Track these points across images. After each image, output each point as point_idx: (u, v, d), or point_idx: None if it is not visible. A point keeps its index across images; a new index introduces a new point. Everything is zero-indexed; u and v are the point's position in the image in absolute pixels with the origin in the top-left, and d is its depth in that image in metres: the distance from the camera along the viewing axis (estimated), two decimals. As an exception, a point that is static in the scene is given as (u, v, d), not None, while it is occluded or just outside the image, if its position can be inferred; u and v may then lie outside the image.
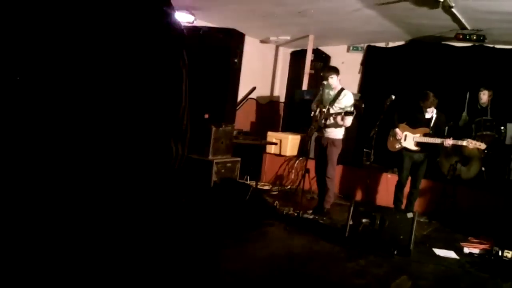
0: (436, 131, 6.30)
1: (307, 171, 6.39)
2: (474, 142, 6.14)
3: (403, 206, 6.46)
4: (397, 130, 6.48)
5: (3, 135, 1.19)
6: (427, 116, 6.41)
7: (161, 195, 1.72)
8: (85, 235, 1.39)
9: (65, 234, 1.34)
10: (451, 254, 5.30)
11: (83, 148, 1.33)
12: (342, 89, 6.47)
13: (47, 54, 1.25)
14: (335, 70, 6.52)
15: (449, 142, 6.17)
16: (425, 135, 6.33)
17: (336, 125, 6.34)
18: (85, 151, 1.34)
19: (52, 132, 1.27)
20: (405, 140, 6.43)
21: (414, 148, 6.38)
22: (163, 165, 1.64)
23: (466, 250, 5.47)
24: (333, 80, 6.41)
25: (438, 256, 5.24)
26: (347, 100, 6.36)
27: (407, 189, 6.57)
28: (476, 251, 5.44)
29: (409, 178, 6.60)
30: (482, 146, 6.15)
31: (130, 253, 1.63)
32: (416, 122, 6.43)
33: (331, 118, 6.30)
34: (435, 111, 6.41)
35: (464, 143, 6.18)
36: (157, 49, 1.60)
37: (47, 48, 1.24)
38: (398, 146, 6.49)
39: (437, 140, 6.22)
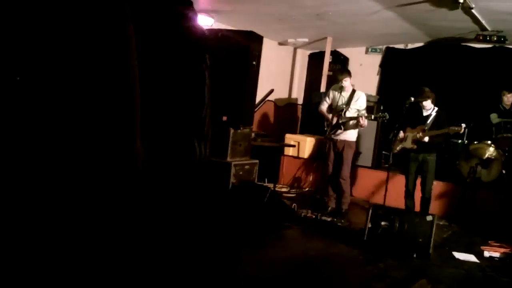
0: (437, 128, 6.17)
1: (324, 173, 6.38)
2: (453, 127, 5.98)
3: None
4: (401, 131, 6.40)
5: (3, 135, 1.21)
6: (425, 113, 6.33)
7: (187, 195, 1.74)
8: (108, 235, 1.41)
9: (88, 235, 1.36)
10: (471, 258, 5.24)
11: (100, 149, 1.35)
12: (354, 91, 6.53)
13: (61, 54, 1.26)
14: (348, 73, 6.61)
15: (426, 138, 6.09)
16: (419, 133, 6.23)
17: (353, 127, 6.37)
18: (103, 151, 1.36)
19: (74, 132, 1.29)
20: (405, 140, 6.36)
21: (411, 146, 6.28)
22: (188, 165, 1.66)
23: (487, 253, 5.41)
24: (347, 83, 6.49)
25: (458, 259, 5.19)
26: (362, 101, 6.48)
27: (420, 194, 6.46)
28: (496, 254, 5.37)
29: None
30: (460, 129, 5.98)
31: (150, 253, 1.66)
32: (415, 121, 6.35)
33: (348, 120, 6.34)
34: (435, 109, 6.33)
35: (446, 130, 6.05)
36: (181, 52, 1.62)
37: (63, 48, 1.26)
38: (399, 147, 6.42)
39: (422, 137, 6.12)
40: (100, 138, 1.34)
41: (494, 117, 7.45)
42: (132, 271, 1.53)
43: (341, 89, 6.55)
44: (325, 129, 6.67)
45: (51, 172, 1.24)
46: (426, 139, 6.09)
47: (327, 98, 6.80)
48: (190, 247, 1.80)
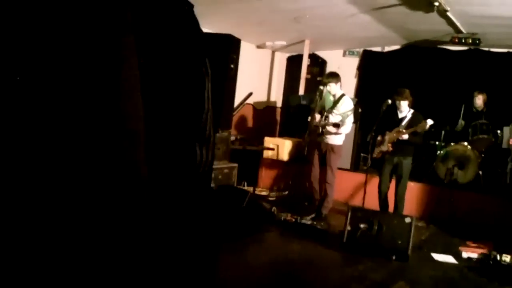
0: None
1: (304, 176, 6.38)
2: (420, 125, 6.02)
3: None
4: (379, 136, 6.42)
5: (3, 135, 1.18)
6: (400, 116, 6.36)
7: (190, 199, 1.72)
8: (105, 238, 1.38)
9: (87, 237, 1.33)
10: (450, 259, 5.29)
11: (102, 151, 1.32)
12: (342, 95, 6.50)
13: (62, 54, 1.24)
14: (334, 77, 6.52)
15: (403, 136, 6.13)
16: (395, 134, 6.26)
17: (330, 132, 6.36)
18: (106, 154, 1.33)
19: (74, 135, 1.26)
20: (383, 144, 6.39)
21: (386, 148, 6.30)
22: (189, 168, 1.64)
23: (465, 254, 5.46)
24: (331, 88, 6.43)
25: (436, 261, 5.23)
26: (345, 106, 6.39)
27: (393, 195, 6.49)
28: (474, 255, 5.43)
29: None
30: (426, 125, 6.00)
31: (142, 256, 1.63)
32: (391, 124, 6.37)
33: (328, 126, 6.33)
34: (410, 111, 6.36)
35: (414, 129, 6.06)
36: (181, 56, 1.60)
37: (63, 49, 1.23)
38: (378, 151, 6.42)
39: (397, 136, 6.16)
40: (100, 140, 1.31)
41: (459, 122, 7.59)
42: (130, 271, 1.50)
43: (327, 93, 6.54)
44: (308, 132, 6.65)
45: (50, 172, 1.21)
46: (406, 136, 6.10)
47: (317, 101, 6.73)
48: (168, 251, 1.78)
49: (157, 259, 1.69)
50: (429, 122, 5.96)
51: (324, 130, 6.39)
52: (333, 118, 6.38)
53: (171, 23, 1.57)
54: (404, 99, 6.25)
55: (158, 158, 1.49)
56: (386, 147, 6.30)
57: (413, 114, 6.31)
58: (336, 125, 6.26)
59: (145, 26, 1.44)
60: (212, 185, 6.44)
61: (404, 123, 6.27)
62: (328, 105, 6.53)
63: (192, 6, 1.67)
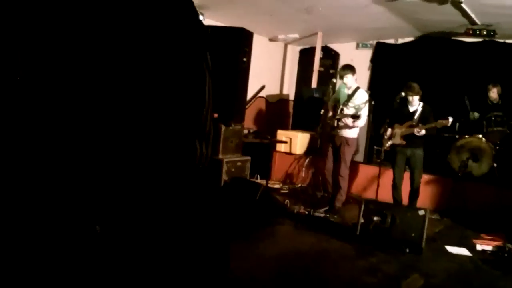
0: (423, 123, 6.21)
1: (317, 169, 6.37)
2: (440, 121, 6.03)
3: None
4: (388, 129, 6.42)
5: (3, 135, 1.19)
6: (411, 109, 6.38)
7: (189, 194, 1.73)
8: (103, 236, 1.39)
9: (87, 236, 1.35)
10: (464, 251, 5.26)
11: (102, 148, 1.33)
12: (357, 88, 6.46)
13: (58, 53, 1.25)
14: (351, 69, 6.48)
15: (417, 130, 6.11)
16: (408, 127, 6.28)
17: (348, 125, 6.33)
18: (104, 150, 1.34)
19: (71, 132, 1.27)
20: (394, 137, 6.40)
21: (400, 142, 6.33)
22: (188, 164, 1.64)
23: (479, 247, 5.44)
24: (348, 80, 6.40)
25: (450, 253, 5.21)
26: (360, 99, 6.36)
27: (408, 188, 6.50)
28: (488, 248, 5.40)
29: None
30: (447, 123, 6.03)
31: (149, 251, 1.64)
32: (403, 117, 6.39)
33: (345, 118, 6.30)
34: (420, 104, 6.37)
35: (433, 125, 6.09)
36: (181, 51, 1.60)
37: (59, 48, 1.24)
38: (388, 144, 6.45)
39: (411, 130, 6.17)
40: (97, 138, 1.32)
41: (471, 114, 7.54)
42: (132, 268, 1.51)
43: (344, 85, 6.50)
44: (321, 124, 6.64)
45: (47, 170, 1.22)
46: (423, 132, 6.11)
47: (332, 93, 6.72)
48: (181, 243, 1.79)
49: (161, 255, 1.70)
50: (450, 119, 5.98)
51: (339, 123, 6.37)
52: (348, 111, 6.35)
53: (170, 17, 1.57)
54: (416, 94, 6.28)
55: (157, 153, 1.49)
56: (399, 140, 6.30)
57: (423, 107, 6.33)
58: (355, 117, 6.22)
59: (142, 19, 1.44)
60: (225, 178, 6.46)
61: (416, 116, 6.27)
62: (342, 98, 6.49)
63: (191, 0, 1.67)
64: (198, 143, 1.64)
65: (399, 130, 6.34)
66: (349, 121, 6.29)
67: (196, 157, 1.65)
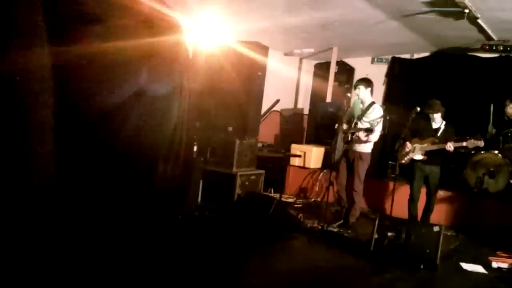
0: (445, 142, 6.19)
1: (331, 183, 6.35)
2: (473, 141, 6.00)
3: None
4: (407, 143, 6.42)
5: (3, 135, 1.22)
6: (435, 126, 6.40)
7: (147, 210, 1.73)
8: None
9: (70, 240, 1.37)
10: (479, 269, 5.19)
11: (82, 150, 1.36)
12: (372, 103, 6.41)
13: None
14: (364, 81, 6.47)
15: (450, 145, 6.07)
16: (433, 143, 6.27)
17: (361, 140, 6.29)
18: (84, 153, 1.37)
19: (56, 134, 1.30)
20: (413, 151, 6.38)
21: (421, 158, 6.32)
22: (147, 182, 1.65)
23: (495, 264, 5.36)
24: (361, 91, 6.36)
25: (466, 270, 5.14)
26: (375, 114, 6.31)
27: (423, 203, 6.49)
28: (505, 265, 5.32)
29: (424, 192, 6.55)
30: (481, 143, 5.99)
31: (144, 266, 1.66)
32: (424, 133, 6.40)
33: (358, 132, 6.27)
34: (443, 122, 6.38)
35: (464, 143, 6.05)
36: (161, 73, 1.63)
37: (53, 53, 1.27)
38: (407, 158, 6.44)
39: (442, 146, 6.14)
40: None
41: (489, 129, 7.48)
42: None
43: (357, 99, 6.50)
44: (336, 139, 6.64)
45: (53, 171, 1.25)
46: (452, 149, 6.08)
47: (347, 108, 6.72)
48: (194, 258, 1.80)
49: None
50: (482, 141, 5.97)
51: (352, 137, 6.33)
52: (362, 126, 6.31)
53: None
54: (436, 112, 6.29)
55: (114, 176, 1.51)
56: (421, 156, 6.30)
57: (445, 125, 6.40)
58: (369, 130, 6.19)
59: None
60: (239, 191, 6.47)
61: (439, 134, 6.30)
62: (357, 113, 6.46)
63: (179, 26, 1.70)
64: (161, 163, 1.65)
65: (419, 145, 6.35)
66: (362, 135, 6.26)
67: (155, 174, 1.65)
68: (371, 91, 6.47)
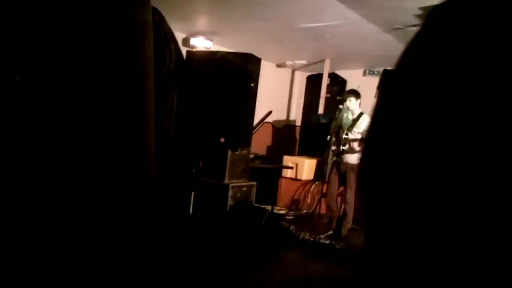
0: None
1: (323, 195, 6.35)
2: None
3: None
4: None
5: (3, 135, 1.19)
6: None
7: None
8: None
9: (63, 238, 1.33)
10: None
11: (80, 150, 1.33)
12: (361, 114, 6.47)
13: (47, 54, 1.25)
14: (354, 93, 6.55)
15: None
16: None
17: (354, 150, 6.32)
18: (82, 152, 1.34)
19: (51, 132, 1.27)
20: None
21: None
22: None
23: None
24: (351, 103, 6.43)
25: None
26: (365, 124, 6.35)
27: None
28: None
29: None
30: None
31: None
32: None
33: (349, 143, 6.29)
34: None
35: None
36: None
37: (47, 48, 1.25)
38: None
39: None
40: (99, 138, 1.32)
41: None
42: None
43: (348, 111, 6.53)
44: (328, 150, 6.64)
45: (49, 171, 1.22)
46: None
47: (336, 119, 6.74)
48: (185, 269, 1.76)
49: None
50: None
51: (343, 149, 6.36)
52: (353, 136, 6.36)
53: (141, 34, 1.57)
54: None
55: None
56: None
57: None
58: (363, 140, 6.21)
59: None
60: (231, 202, 6.43)
61: None
62: (346, 123, 6.50)
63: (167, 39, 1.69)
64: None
65: None
66: (356, 145, 6.28)
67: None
68: (360, 103, 6.53)
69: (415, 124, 0.61)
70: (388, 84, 0.72)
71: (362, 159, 0.75)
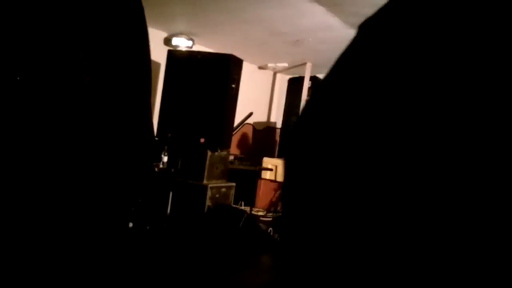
0: None
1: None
2: None
3: None
4: None
5: (3, 135, 1.18)
6: None
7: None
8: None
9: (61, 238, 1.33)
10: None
11: (82, 150, 1.33)
12: None
13: (47, 54, 1.25)
14: None
15: None
16: None
17: None
18: (83, 152, 1.33)
19: (53, 133, 1.26)
20: None
21: None
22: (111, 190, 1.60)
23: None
24: None
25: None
26: None
27: None
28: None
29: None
30: None
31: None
32: None
33: None
34: None
35: None
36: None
37: (47, 48, 1.24)
38: None
39: None
40: (100, 139, 1.32)
41: None
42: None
43: None
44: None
45: (50, 172, 1.22)
46: None
47: None
48: (160, 271, 1.77)
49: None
50: None
51: None
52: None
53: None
54: None
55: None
56: None
57: None
58: None
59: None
60: (209, 204, 6.43)
61: None
62: None
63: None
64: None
65: None
66: None
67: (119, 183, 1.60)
68: None
69: (337, 122, 0.64)
70: (317, 88, 0.78)
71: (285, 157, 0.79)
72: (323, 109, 0.69)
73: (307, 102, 0.76)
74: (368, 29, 0.69)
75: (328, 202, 0.61)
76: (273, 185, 8.68)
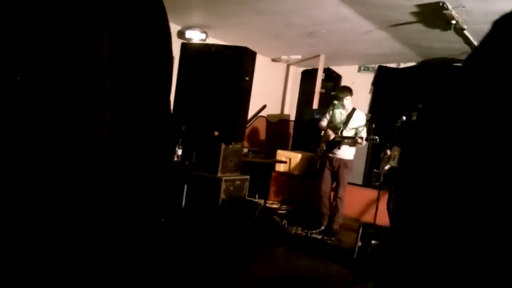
0: None
1: (316, 191, 6.36)
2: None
3: None
4: (387, 150, 6.36)
5: (3, 135, 1.19)
6: None
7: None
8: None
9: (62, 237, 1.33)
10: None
11: (83, 149, 1.33)
12: (354, 109, 6.52)
13: (47, 53, 1.25)
14: (349, 91, 6.58)
15: None
16: None
17: (349, 145, 6.36)
18: (85, 151, 1.33)
19: (52, 132, 1.26)
20: (394, 159, 6.30)
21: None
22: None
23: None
24: (348, 102, 6.49)
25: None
26: (360, 121, 6.42)
27: None
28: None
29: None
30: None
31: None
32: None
33: (344, 140, 6.32)
34: None
35: None
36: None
37: (47, 48, 1.24)
38: (387, 167, 6.24)
39: None
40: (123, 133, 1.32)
41: None
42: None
43: (341, 107, 6.56)
44: (322, 146, 6.65)
45: (49, 170, 1.22)
46: None
47: (327, 115, 6.79)
48: (176, 263, 1.77)
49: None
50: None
51: (340, 144, 6.39)
52: (348, 133, 6.39)
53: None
54: None
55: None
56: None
57: None
58: (361, 138, 6.22)
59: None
60: (224, 196, 6.44)
61: None
62: (340, 119, 6.54)
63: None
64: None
65: (399, 153, 6.29)
66: (349, 141, 6.32)
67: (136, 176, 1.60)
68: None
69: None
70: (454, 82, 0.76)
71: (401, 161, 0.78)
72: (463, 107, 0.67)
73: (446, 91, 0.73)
74: (505, 25, 0.66)
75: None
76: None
